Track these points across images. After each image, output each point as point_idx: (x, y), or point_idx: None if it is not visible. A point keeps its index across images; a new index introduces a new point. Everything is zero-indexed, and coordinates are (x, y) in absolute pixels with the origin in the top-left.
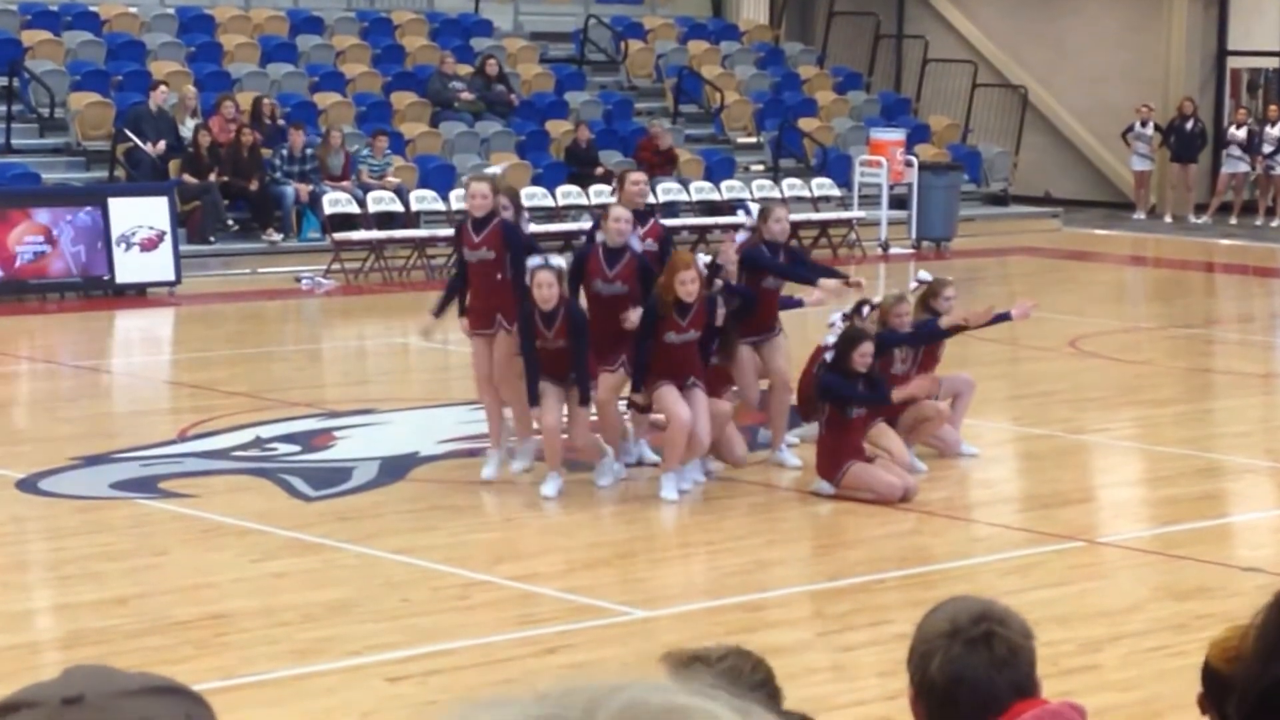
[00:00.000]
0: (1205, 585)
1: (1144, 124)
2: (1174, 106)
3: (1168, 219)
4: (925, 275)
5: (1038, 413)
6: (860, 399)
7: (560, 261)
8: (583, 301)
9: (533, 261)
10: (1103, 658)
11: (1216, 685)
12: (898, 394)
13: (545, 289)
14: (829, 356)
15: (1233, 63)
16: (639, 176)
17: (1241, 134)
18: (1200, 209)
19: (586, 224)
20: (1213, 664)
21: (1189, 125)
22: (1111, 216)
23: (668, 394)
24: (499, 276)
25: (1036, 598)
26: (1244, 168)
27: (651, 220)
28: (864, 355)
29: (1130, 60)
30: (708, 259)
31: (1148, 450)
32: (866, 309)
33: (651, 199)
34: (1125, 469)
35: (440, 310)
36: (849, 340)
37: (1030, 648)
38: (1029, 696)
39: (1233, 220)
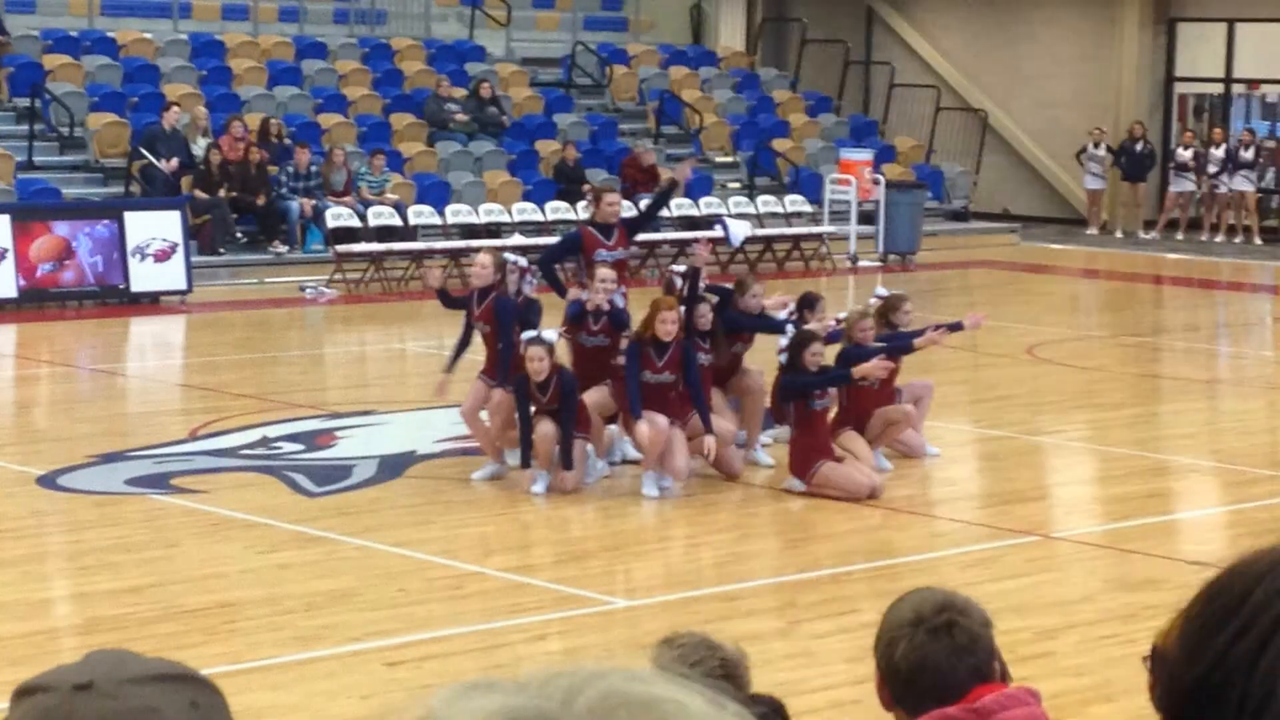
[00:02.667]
0: (1153, 578)
1: (1096, 145)
2: (1125, 129)
3: (1119, 234)
4: (883, 291)
5: (996, 415)
6: (818, 382)
7: (552, 335)
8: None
9: (525, 335)
10: (1057, 645)
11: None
12: (857, 371)
13: (537, 362)
14: (783, 359)
15: (1180, 89)
16: (615, 197)
17: (1188, 155)
18: (1149, 225)
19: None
20: (1160, 649)
21: (1139, 147)
22: (1066, 232)
23: (646, 415)
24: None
25: (995, 589)
26: (1190, 187)
27: (618, 232)
28: (814, 354)
29: (1084, 85)
30: (684, 268)
31: (1099, 451)
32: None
33: (631, 211)
34: (1078, 468)
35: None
36: (799, 343)
37: (989, 635)
38: (989, 681)
39: (1179, 236)
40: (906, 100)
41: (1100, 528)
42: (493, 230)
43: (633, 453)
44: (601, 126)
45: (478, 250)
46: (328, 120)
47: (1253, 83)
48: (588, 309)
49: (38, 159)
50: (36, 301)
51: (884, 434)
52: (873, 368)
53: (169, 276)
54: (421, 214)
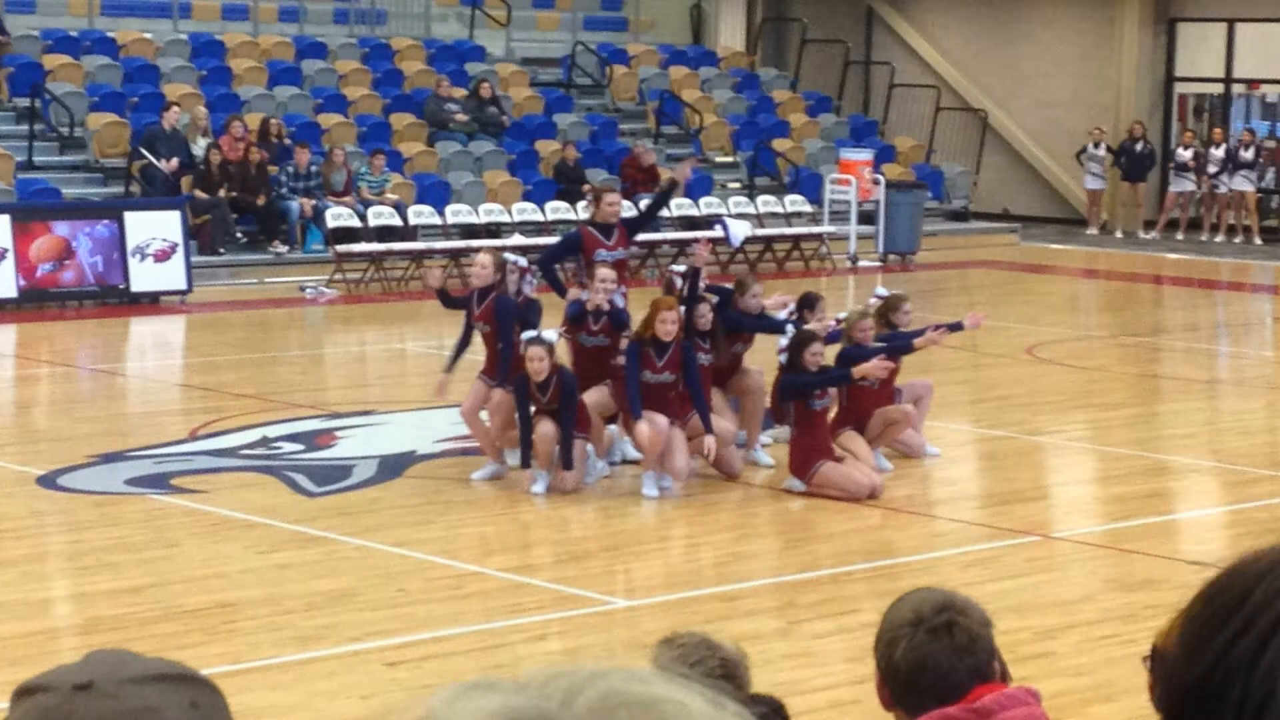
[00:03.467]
0: (1152, 578)
1: (1096, 145)
2: (1125, 129)
3: (1118, 235)
4: (883, 291)
5: (996, 415)
6: (818, 382)
7: (552, 335)
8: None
9: (525, 335)
10: (1057, 645)
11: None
12: (857, 371)
13: (537, 362)
14: (783, 359)
15: (1180, 89)
16: (615, 197)
17: (1188, 155)
18: (1149, 225)
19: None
20: (1160, 649)
21: (1139, 147)
22: (1066, 232)
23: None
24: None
25: (995, 589)
26: (1190, 187)
27: (618, 232)
28: (814, 354)
29: (1084, 85)
30: (684, 268)
31: (1099, 451)
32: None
33: (631, 211)
34: (1078, 468)
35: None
36: (799, 343)
37: (989, 635)
38: (989, 681)
39: (1179, 236)
40: (906, 100)
41: (1100, 528)
42: (493, 230)
43: (633, 453)
44: (601, 126)
45: (478, 250)
46: (328, 120)
47: (1253, 83)
48: (588, 309)
49: (38, 159)
50: (36, 301)
51: (884, 434)
52: (873, 368)
53: (169, 276)
54: (421, 214)
